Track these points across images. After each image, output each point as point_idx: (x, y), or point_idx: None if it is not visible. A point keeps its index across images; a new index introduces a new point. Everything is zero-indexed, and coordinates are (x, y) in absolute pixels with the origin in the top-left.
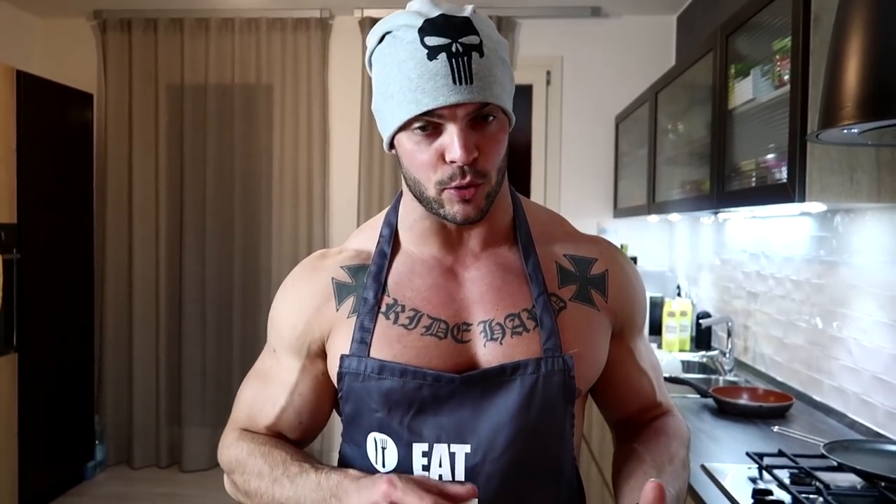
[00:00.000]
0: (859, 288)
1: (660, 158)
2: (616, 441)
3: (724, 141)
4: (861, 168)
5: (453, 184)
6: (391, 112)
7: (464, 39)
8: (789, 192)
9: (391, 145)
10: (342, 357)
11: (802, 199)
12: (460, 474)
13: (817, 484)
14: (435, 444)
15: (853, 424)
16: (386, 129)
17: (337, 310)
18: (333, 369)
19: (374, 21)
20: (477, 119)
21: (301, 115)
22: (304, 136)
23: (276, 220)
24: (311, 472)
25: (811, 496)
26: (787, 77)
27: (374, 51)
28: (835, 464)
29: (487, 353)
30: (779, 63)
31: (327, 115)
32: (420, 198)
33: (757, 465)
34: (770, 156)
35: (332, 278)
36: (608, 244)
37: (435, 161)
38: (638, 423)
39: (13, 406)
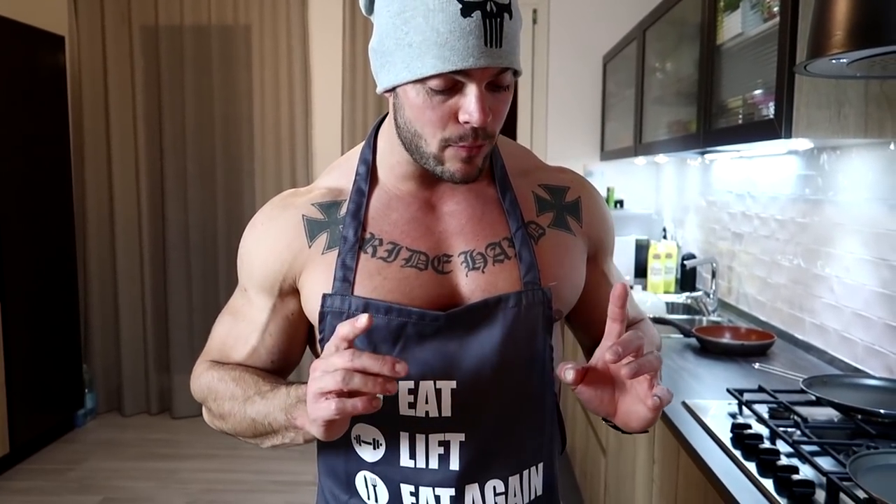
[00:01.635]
0: (843, 226)
1: (647, 98)
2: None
3: (711, 78)
4: (849, 102)
5: (462, 144)
6: (406, 62)
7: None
8: (776, 128)
9: (390, 89)
10: (324, 296)
11: (789, 136)
12: (447, 409)
13: (795, 418)
14: (420, 381)
15: (833, 361)
16: (393, 77)
17: (309, 247)
18: (312, 308)
19: None
20: (493, 82)
21: (281, 57)
22: (284, 78)
23: (259, 164)
24: (282, 386)
25: (789, 429)
26: (776, 9)
27: None
28: (813, 398)
29: (470, 283)
30: None
31: (308, 57)
32: (414, 150)
33: (737, 401)
34: (757, 91)
35: (303, 215)
36: (575, 173)
37: (446, 119)
38: None
39: None
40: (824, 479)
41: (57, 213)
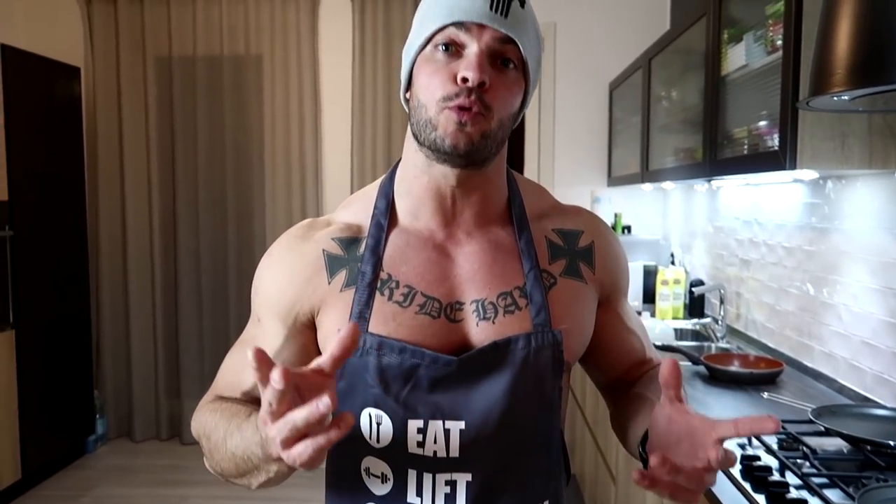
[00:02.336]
0: (850, 254)
1: (653, 126)
2: (611, 404)
3: (716, 108)
4: (853, 134)
5: (456, 101)
6: (421, 31)
7: None
8: (780, 159)
9: (408, 88)
10: (339, 332)
11: (794, 167)
12: (455, 449)
13: (804, 449)
14: (430, 421)
15: (842, 389)
16: (411, 51)
17: (329, 283)
18: (328, 345)
19: None
20: (497, 58)
21: (292, 86)
22: (295, 106)
23: (270, 191)
24: (253, 415)
25: (798, 461)
26: (779, 42)
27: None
28: (822, 429)
29: (480, 333)
30: (771, 28)
31: (318, 85)
32: (418, 126)
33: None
34: (762, 123)
35: (324, 250)
36: (589, 214)
37: (446, 80)
38: (630, 379)
39: (12, 382)
40: None
41: (71, 239)
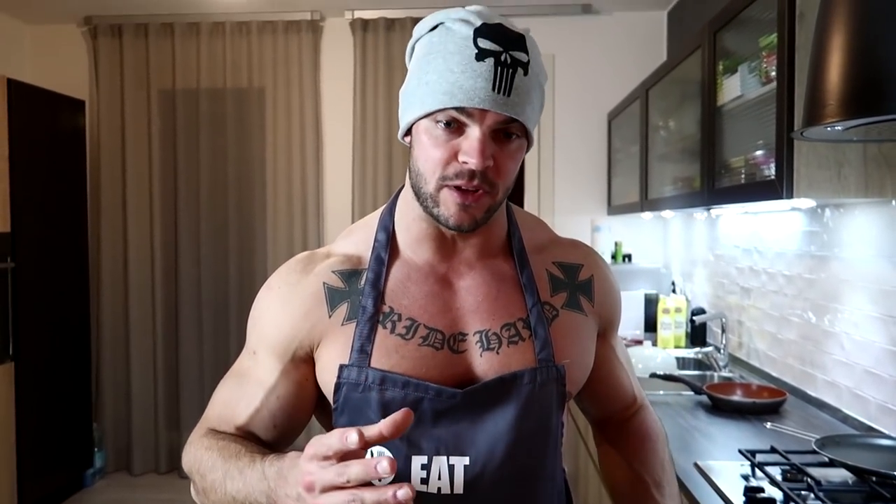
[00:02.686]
0: (850, 282)
1: (652, 155)
2: (599, 442)
3: (713, 138)
4: (848, 163)
5: (457, 182)
6: (422, 98)
7: (514, 53)
8: (777, 188)
9: (407, 132)
10: (340, 367)
11: (790, 196)
12: (459, 486)
13: (808, 480)
14: (434, 457)
15: (846, 419)
16: (410, 113)
17: (330, 316)
18: (327, 380)
19: (364, 23)
20: (500, 133)
21: (294, 118)
22: (297, 138)
23: (271, 223)
24: (257, 461)
25: (802, 493)
26: (773, 73)
27: (421, 37)
28: (826, 459)
29: (483, 364)
30: (765, 59)
31: (320, 118)
32: (418, 193)
33: (749, 463)
34: (759, 152)
35: (324, 283)
36: (587, 248)
37: (448, 158)
38: (619, 421)
39: (10, 414)
40: None
41: (72, 271)
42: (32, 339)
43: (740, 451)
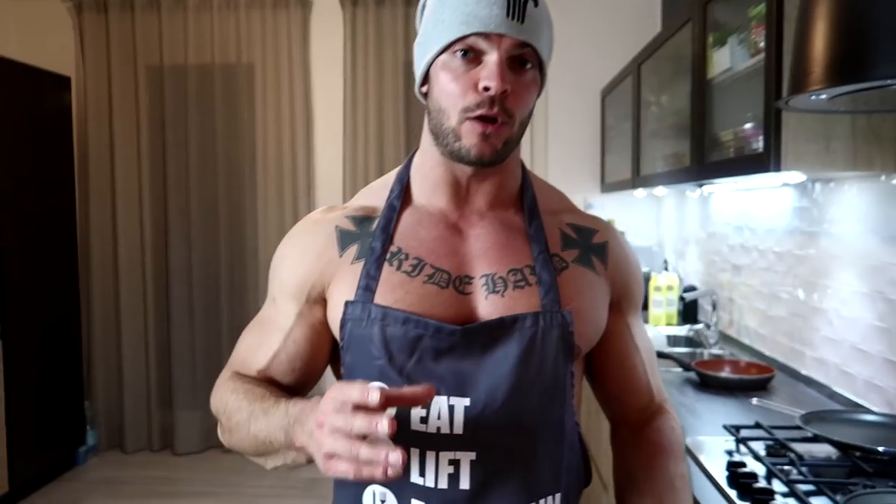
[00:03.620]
0: (839, 258)
1: (644, 131)
2: (614, 450)
3: (703, 112)
4: (836, 136)
5: (479, 111)
6: (438, 35)
7: None
8: (765, 161)
9: (424, 80)
10: (346, 304)
11: (778, 169)
12: (459, 427)
13: (791, 455)
14: (434, 396)
15: (833, 395)
16: (428, 53)
17: (340, 256)
18: (335, 317)
19: None
20: (515, 61)
21: (283, 95)
22: (286, 116)
23: (261, 201)
24: (282, 402)
25: (785, 467)
26: (762, 44)
27: None
28: (810, 435)
29: (488, 306)
30: (754, 30)
31: (310, 95)
32: (439, 131)
33: (733, 438)
34: (748, 125)
35: (337, 226)
36: (606, 222)
37: (466, 89)
38: (633, 425)
39: (0, 393)
40: None
41: (61, 250)
42: (22, 319)
43: (724, 427)
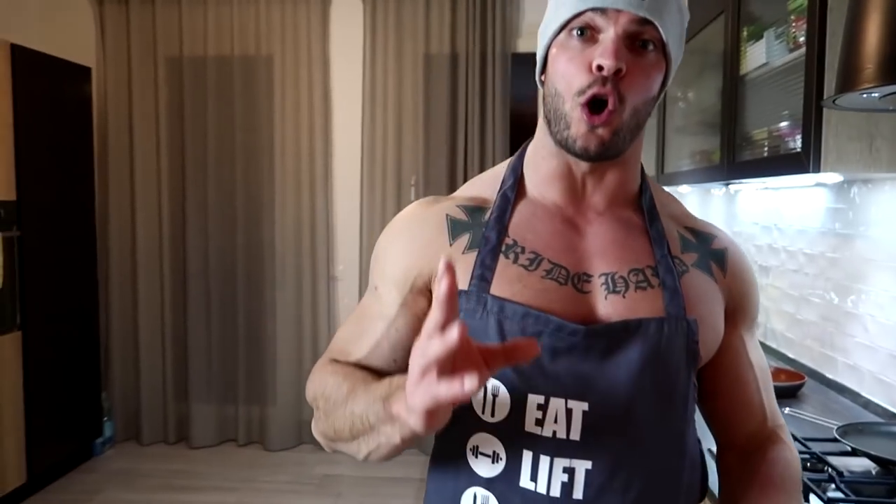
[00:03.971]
0: (876, 262)
1: (669, 127)
2: (721, 476)
3: (735, 109)
4: (881, 135)
5: (590, 91)
6: (556, 15)
7: None
8: (803, 161)
9: (542, 69)
10: (459, 293)
11: (817, 170)
12: (576, 432)
13: (830, 471)
14: (552, 398)
15: (868, 404)
16: (546, 35)
17: (450, 245)
18: None
19: None
20: (635, 42)
21: (302, 88)
22: (305, 108)
23: (279, 194)
24: (386, 379)
25: (823, 483)
26: (802, 39)
27: None
28: (848, 448)
29: (608, 306)
30: (794, 24)
31: (329, 88)
32: (554, 116)
33: None
34: (783, 123)
35: (447, 215)
36: (725, 232)
37: (581, 69)
38: (743, 450)
39: (18, 383)
40: None
41: (80, 241)
42: (40, 309)
43: None
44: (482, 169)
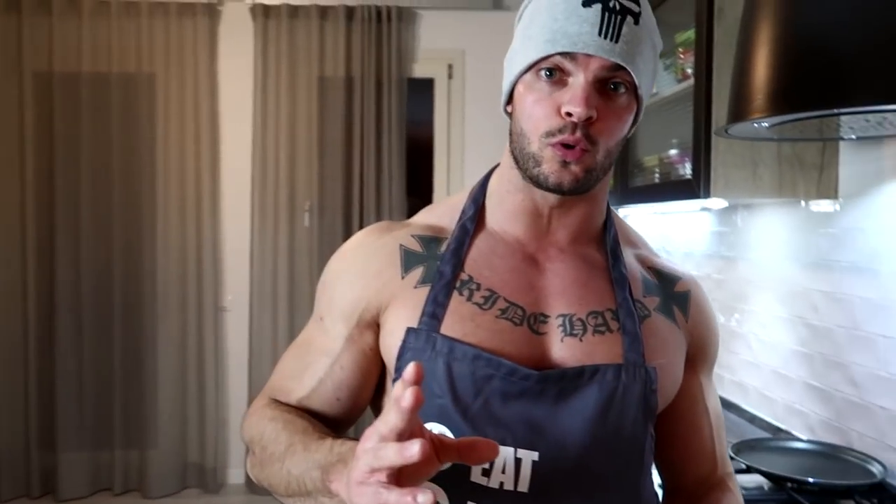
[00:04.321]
0: (757, 283)
1: None
2: None
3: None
4: (763, 162)
5: (560, 137)
6: (524, 52)
7: (624, 1)
8: (694, 187)
9: (509, 99)
10: (408, 330)
11: (707, 195)
12: (525, 483)
13: None
14: (500, 446)
15: (753, 419)
16: (512, 72)
17: (402, 277)
18: (391, 344)
19: (266, 8)
20: (606, 85)
21: (188, 108)
22: (190, 130)
23: (162, 220)
24: (328, 439)
25: None
26: (689, 70)
27: (529, 4)
28: (743, 466)
29: (564, 350)
30: (682, 56)
31: (217, 109)
32: (520, 155)
33: None
34: (673, 151)
35: (401, 245)
36: (689, 274)
37: (550, 113)
38: (691, 497)
39: None
40: None
41: None
42: None
43: None
44: (379, 193)
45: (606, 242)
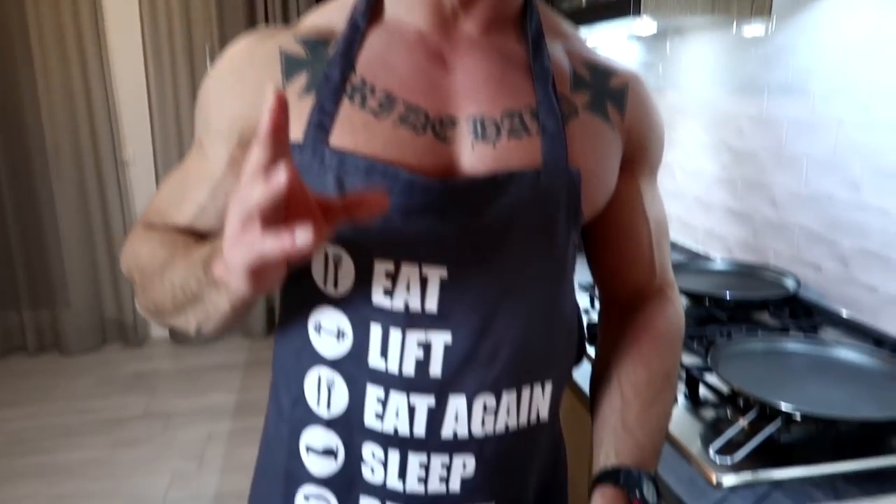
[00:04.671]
0: (685, 111)
1: None
2: (599, 335)
3: None
4: None
5: None
6: None
7: None
8: (624, 7)
9: None
10: (291, 146)
11: (637, 13)
12: (432, 304)
13: None
14: (403, 264)
15: (674, 246)
16: None
17: (284, 87)
18: None
19: None
20: None
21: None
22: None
23: (41, 73)
24: (209, 243)
25: None
26: None
27: None
28: None
29: (474, 158)
30: None
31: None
32: None
33: (588, 295)
34: None
35: (281, 49)
36: (631, 68)
37: None
38: (625, 304)
39: None
40: (683, 373)
41: None
42: None
43: (579, 284)
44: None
45: (527, 32)
